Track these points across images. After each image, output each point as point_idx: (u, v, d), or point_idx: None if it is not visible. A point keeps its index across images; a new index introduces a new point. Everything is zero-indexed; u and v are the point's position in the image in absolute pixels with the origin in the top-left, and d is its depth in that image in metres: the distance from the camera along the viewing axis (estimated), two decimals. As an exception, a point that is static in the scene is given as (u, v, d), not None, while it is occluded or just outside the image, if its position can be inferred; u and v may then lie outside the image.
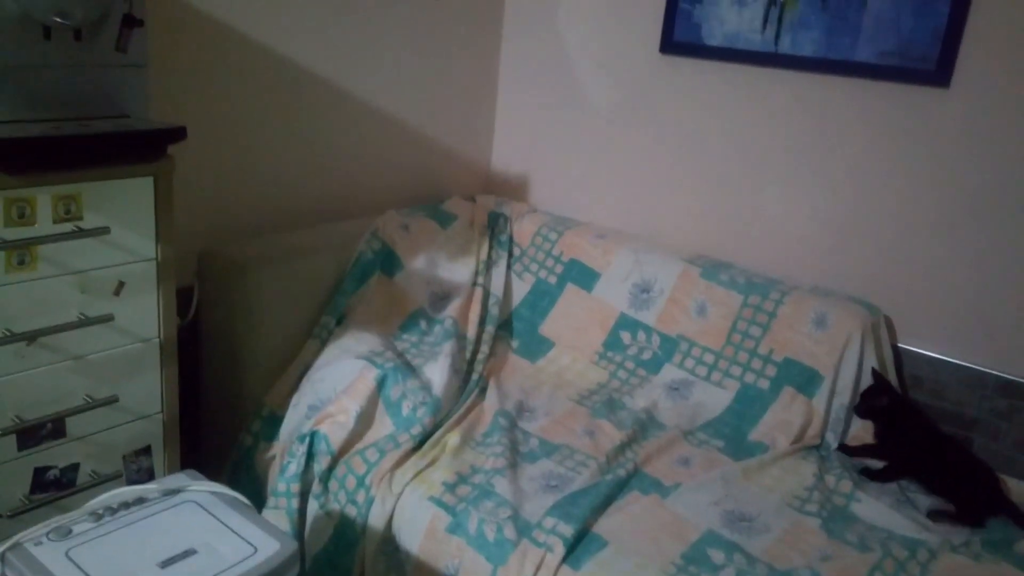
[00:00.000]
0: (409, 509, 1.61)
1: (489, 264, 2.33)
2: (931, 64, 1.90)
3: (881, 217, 2.02)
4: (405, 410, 1.79)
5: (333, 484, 1.69)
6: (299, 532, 1.69)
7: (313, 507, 1.70)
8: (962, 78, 1.87)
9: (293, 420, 1.81)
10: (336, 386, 1.81)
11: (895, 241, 2.01)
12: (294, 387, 1.87)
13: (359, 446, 1.74)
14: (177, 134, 1.40)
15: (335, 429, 1.74)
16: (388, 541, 1.62)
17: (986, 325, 1.91)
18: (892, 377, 1.96)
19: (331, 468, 1.70)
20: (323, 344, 1.94)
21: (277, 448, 1.79)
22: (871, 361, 1.92)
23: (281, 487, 1.69)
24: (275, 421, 1.84)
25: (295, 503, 1.68)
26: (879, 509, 1.66)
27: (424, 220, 2.27)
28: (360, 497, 1.65)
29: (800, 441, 1.85)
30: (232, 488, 1.54)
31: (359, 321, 2.00)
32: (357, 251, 2.06)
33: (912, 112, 1.94)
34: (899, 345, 2.01)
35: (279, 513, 1.68)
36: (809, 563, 1.48)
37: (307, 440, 1.72)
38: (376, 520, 1.63)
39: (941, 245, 1.95)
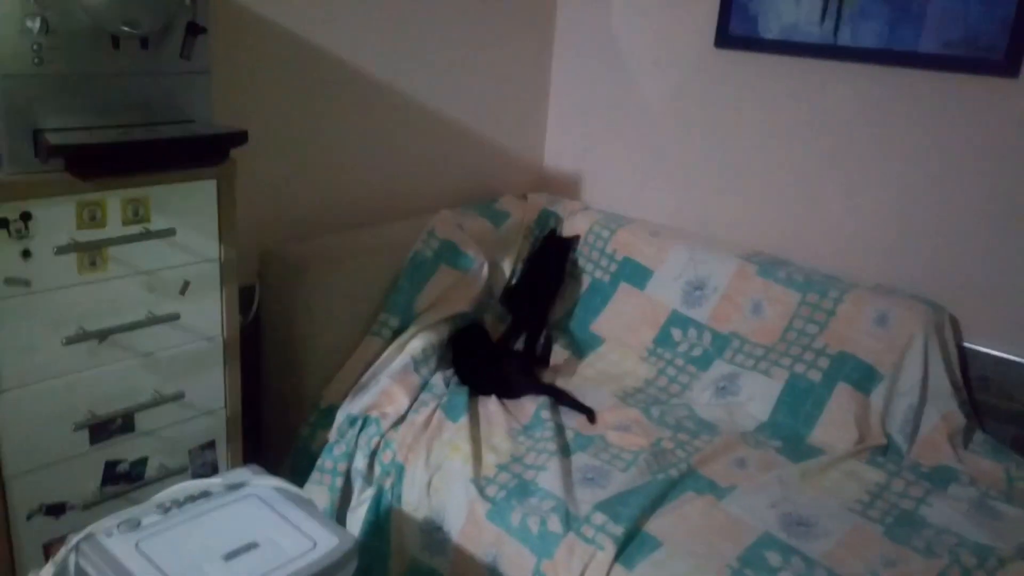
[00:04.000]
0: (453, 488, 1.64)
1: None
2: (999, 54, 1.83)
3: (945, 212, 1.96)
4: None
5: (376, 467, 1.75)
6: (339, 511, 1.74)
7: (358, 485, 1.75)
8: (1033, 68, 1.80)
9: (347, 409, 1.86)
10: (391, 381, 1.89)
11: (960, 237, 1.95)
12: (352, 383, 1.92)
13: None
14: (239, 138, 1.43)
15: (386, 415, 1.81)
16: (429, 520, 1.65)
17: (1058, 324, 1.84)
18: (958, 378, 1.90)
19: (377, 450, 1.76)
20: (385, 342, 1.99)
21: (331, 434, 1.84)
22: (936, 361, 1.87)
23: (327, 464, 1.76)
24: (332, 412, 1.89)
25: (339, 482, 1.74)
26: (952, 515, 1.61)
27: (477, 219, 2.28)
28: (392, 466, 1.73)
29: (862, 442, 1.80)
30: (292, 478, 1.64)
31: (420, 321, 2.04)
32: (412, 251, 2.09)
33: (979, 104, 1.88)
34: (965, 345, 1.95)
35: (321, 489, 1.74)
36: (871, 568, 1.45)
37: (358, 423, 1.79)
38: (413, 490, 1.68)
39: (1008, 241, 1.88)
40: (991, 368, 1.92)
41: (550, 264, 2.35)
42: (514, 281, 2.32)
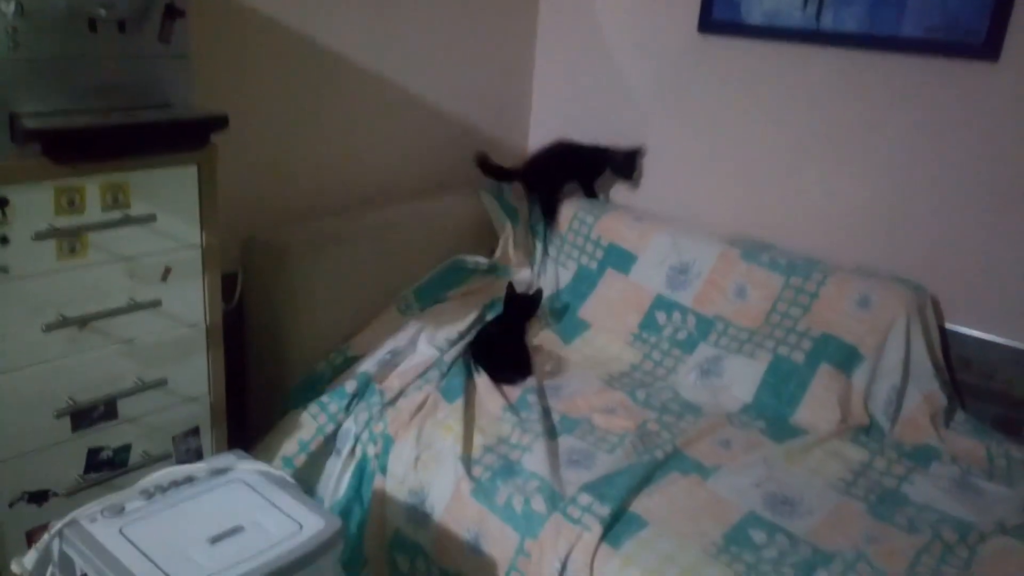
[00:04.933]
0: (441, 465, 1.66)
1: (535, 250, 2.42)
2: (979, 38, 1.84)
3: (927, 196, 1.98)
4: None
5: (365, 434, 1.78)
6: (316, 453, 1.78)
7: (347, 444, 1.78)
8: (1012, 52, 1.81)
9: (367, 366, 1.91)
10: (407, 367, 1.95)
11: (942, 220, 1.96)
12: (378, 345, 1.98)
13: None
14: (219, 123, 1.42)
15: (391, 390, 1.87)
16: (414, 494, 1.67)
17: (1037, 304, 1.86)
18: (940, 358, 1.92)
19: (371, 419, 1.80)
20: (405, 318, 2.08)
21: (348, 384, 1.87)
22: (918, 342, 1.89)
23: (332, 407, 1.81)
24: (353, 362, 1.94)
25: (330, 428, 1.79)
26: (933, 492, 1.63)
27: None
28: (381, 437, 1.75)
29: (844, 422, 1.82)
30: (288, 403, 1.79)
31: (448, 310, 2.15)
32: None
33: (960, 88, 1.89)
34: (947, 326, 1.97)
35: (312, 424, 1.79)
36: (855, 544, 1.46)
37: (366, 381, 1.85)
38: (400, 463, 1.70)
39: (989, 224, 1.90)
40: (972, 349, 1.94)
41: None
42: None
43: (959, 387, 1.95)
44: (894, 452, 1.76)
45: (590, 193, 2.47)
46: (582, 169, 2.47)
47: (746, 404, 1.92)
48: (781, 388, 1.90)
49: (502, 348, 2.05)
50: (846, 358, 1.89)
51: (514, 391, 1.93)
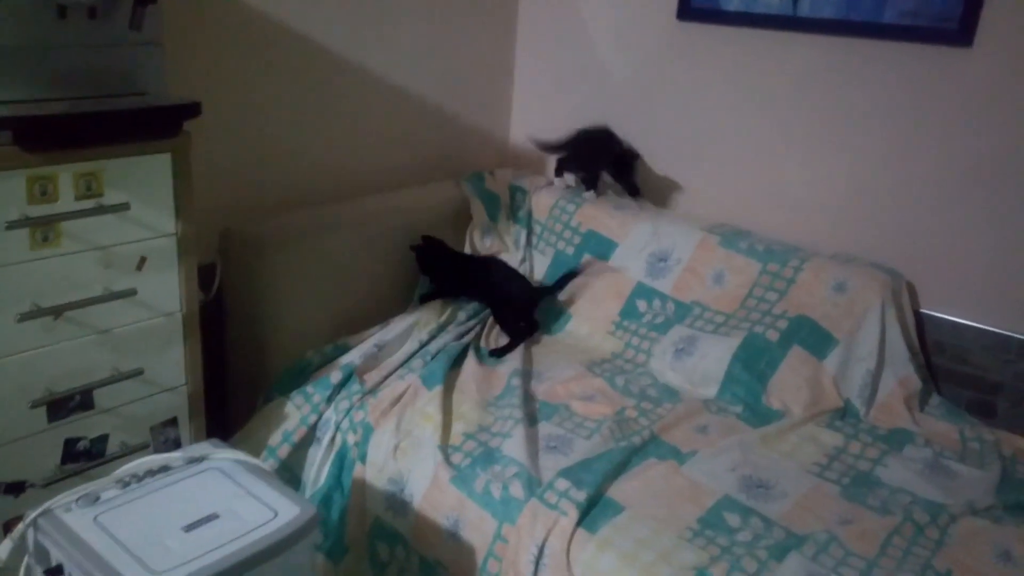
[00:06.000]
0: (420, 454, 1.67)
1: (518, 240, 2.41)
2: (954, 23, 1.86)
3: (903, 182, 1.99)
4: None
5: (345, 423, 1.79)
6: (303, 442, 1.79)
7: (327, 433, 1.79)
8: (985, 37, 1.83)
9: (352, 358, 1.92)
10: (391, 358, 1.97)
11: (917, 206, 1.98)
12: (369, 336, 2.01)
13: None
14: (191, 110, 1.42)
15: (370, 380, 1.88)
16: (393, 482, 1.68)
17: (1009, 289, 1.88)
18: (915, 342, 1.94)
19: (351, 408, 1.80)
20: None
21: (334, 373, 1.87)
22: (893, 327, 1.91)
23: (315, 398, 1.82)
24: (343, 351, 1.96)
25: (312, 418, 1.79)
26: (906, 474, 1.65)
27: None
28: (360, 425, 1.76)
29: (816, 405, 1.84)
30: (275, 389, 1.80)
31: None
32: None
33: (934, 73, 1.91)
34: (922, 311, 1.99)
35: (296, 413, 1.80)
36: (827, 526, 1.48)
37: (350, 373, 1.85)
38: (379, 452, 1.71)
39: (964, 209, 1.92)
40: (947, 333, 1.96)
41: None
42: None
43: (934, 371, 1.98)
44: (869, 436, 1.78)
45: (632, 190, 2.42)
46: (616, 161, 2.43)
47: (718, 381, 1.92)
48: (752, 364, 1.90)
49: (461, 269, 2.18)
50: (819, 342, 1.91)
51: (500, 376, 1.93)
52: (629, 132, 2.43)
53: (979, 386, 1.92)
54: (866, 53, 1.99)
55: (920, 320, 1.98)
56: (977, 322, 1.92)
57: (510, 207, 2.44)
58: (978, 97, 1.86)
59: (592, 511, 1.49)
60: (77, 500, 1.24)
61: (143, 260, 1.48)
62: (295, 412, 1.80)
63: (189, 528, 1.20)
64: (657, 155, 2.40)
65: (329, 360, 1.93)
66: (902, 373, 1.89)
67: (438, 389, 1.83)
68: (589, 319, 2.22)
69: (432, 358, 1.95)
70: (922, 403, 1.88)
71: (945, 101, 1.90)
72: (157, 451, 1.59)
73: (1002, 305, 1.89)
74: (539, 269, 2.38)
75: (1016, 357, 1.87)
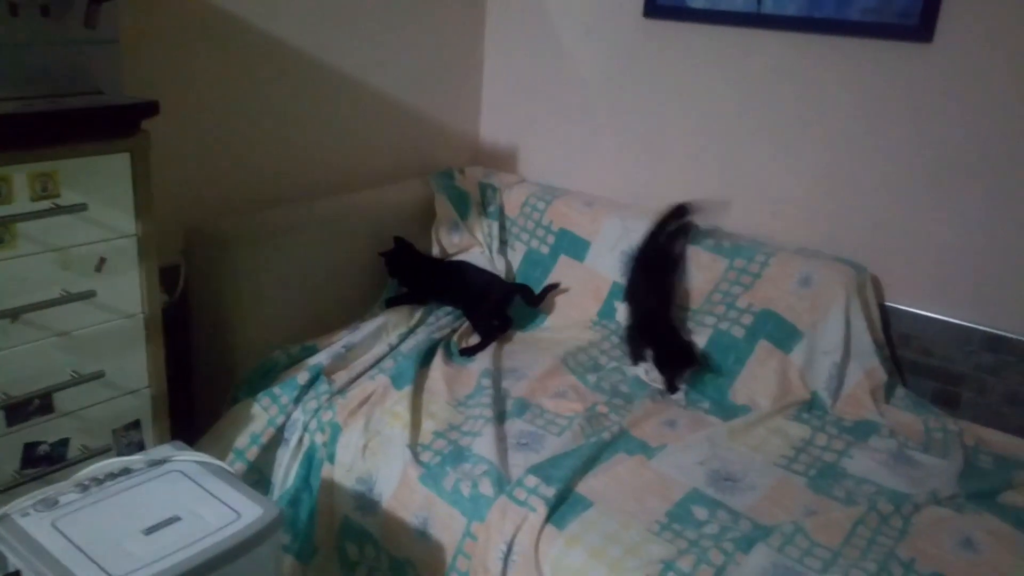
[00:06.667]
0: (389, 453, 1.66)
1: (490, 238, 2.40)
2: (914, 19, 1.88)
3: (866, 176, 2.01)
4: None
5: (313, 423, 1.77)
6: (271, 443, 1.77)
7: (295, 434, 1.77)
8: (945, 32, 1.85)
9: (321, 358, 1.91)
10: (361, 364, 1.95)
11: (881, 200, 2.00)
12: (338, 338, 2.00)
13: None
14: (149, 109, 1.40)
15: (339, 380, 1.86)
16: (362, 481, 1.67)
17: (972, 281, 1.91)
18: (880, 335, 1.96)
19: (320, 408, 1.79)
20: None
21: (301, 374, 1.86)
22: (858, 319, 1.92)
23: (283, 399, 1.79)
24: (310, 352, 1.94)
25: (280, 419, 1.77)
26: (871, 465, 1.67)
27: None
28: (328, 425, 1.75)
29: (783, 398, 1.85)
30: (242, 392, 1.78)
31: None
32: None
33: (896, 69, 1.93)
34: (887, 304, 2.01)
35: (263, 415, 1.78)
36: (793, 518, 1.49)
37: (318, 373, 1.84)
38: (347, 452, 1.70)
39: (926, 202, 1.94)
40: (911, 325, 1.98)
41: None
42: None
43: (899, 363, 2.00)
44: (835, 428, 1.79)
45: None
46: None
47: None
48: (720, 360, 1.93)
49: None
50: (785, 335, 1.93)
51: (471, 374, 1.93)
52: (596, 126, 2.44)
53: (943, 377, 1.95)
54: (828, 49, 2.01)
55: (885, 313, 2.01)
56: (941, 315, 1.94)
57: (481, 205, 2.44)
58: (938, 91, 1.88)
59: (561, 507, 1.49)
60: (35, 505, 1.22)
61: (102, 261, 1.46)
62: (262, 413, 1.79)
63: (150, 531, 1.19)
64: (625, 150, 2.41)
65: (296, 361, 1.91)
66: (868, 365, 1.91)
67: (408, 389, 1.82)
68: (565, 317, 2.24)
69: (401, 360, 1.95)
70: (888, 395, 1.90)
71: (907, 96, 1.92)
72: (120, 454, 1.57)
73: (966, 298, 1.92)
74: (512, 266, 2.38)
75: (979, 349, 1.89)
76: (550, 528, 1.45)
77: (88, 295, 1.44)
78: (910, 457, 1.71)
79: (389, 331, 2.06)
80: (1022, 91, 1.78)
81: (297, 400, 1.80)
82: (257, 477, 1.77)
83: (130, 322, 1.53)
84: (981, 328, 1.89)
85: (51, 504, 1.22)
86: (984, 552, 1.43)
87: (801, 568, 1.36)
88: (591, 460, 1.62)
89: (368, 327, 2.03)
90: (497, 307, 2.17)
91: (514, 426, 1.75)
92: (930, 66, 1.88)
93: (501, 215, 2.44)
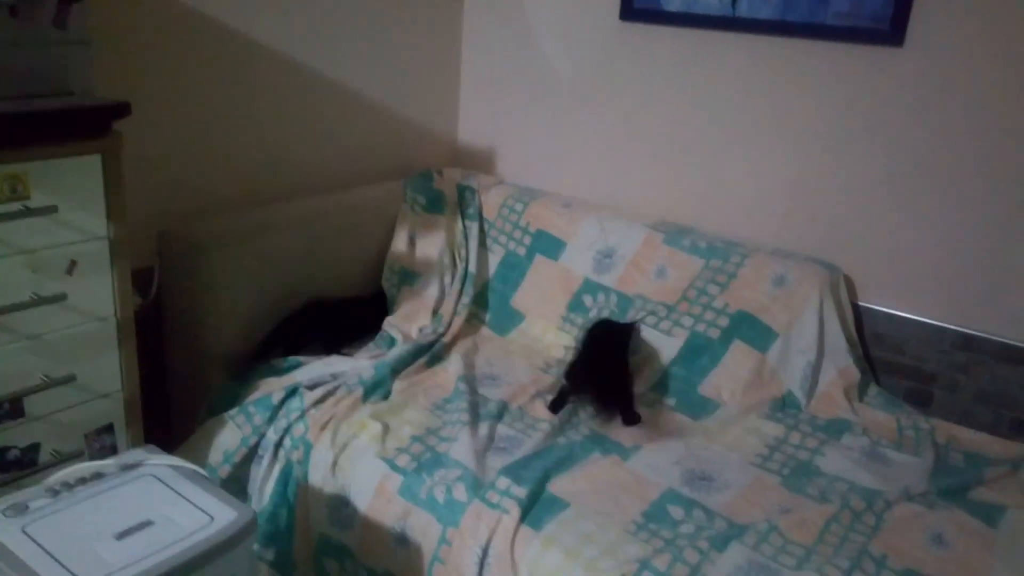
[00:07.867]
0: (359, 465, 1.64)
1: (467, 238, 2.38)
2: (885, 24, 1.90)
3: (840, 178, 2.04)
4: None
5: (287, 441, 1.74)
6: (244, 461, 1.75)
7: (267, 454, 1.74)
8: (916, 37, 1.88)
9: (301, 376, 1.88)
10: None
11: (854, 201, 2.02)
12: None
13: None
14: (120, 110, 1.39)
15: (312, 392, 1.82)
16: (336, 497, 1.65)
17: (944, 281, 1.93)
18: (854, 334, 1.98)
19: (292, 424, 1.75)
20: None
21: (276, 392, 1.81)
22: (832, 319, 1.94)
23: (256, 419, 1.76)
24: (292, 368, 1.92)
25: (253, 440, 1.74)
26: (844, 463, 1.69)
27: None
28: (300, 442, 1.73)
29: (757, 396, 1.87)
30: (216, 404, 1.75)
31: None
32: None
33: (867, 72, 1.95)
34: (860, 303, 2.03)
35: (235, 433, 1.75)
36: (767, 515, 1.50)
37: (294, 392, 1.79)
38: (319, 469, 1.68)
39: (898, 204, 1.97)
40: (884, 325, 2.01)
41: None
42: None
43: (873, 362, 2.02)
44: (808, 426, 1.81)
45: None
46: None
47: (663, 374, 1.96)
48: (694, 362, 1.95)
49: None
50: (760, 335, 1.94)
51: (448, 378, 1.92)
52: (573, 129, 2.45)
53: (916, 376, 1.97)
54: (801, 53, 2.03)
55: (858, 312, 2.03)
56: (914, 314, 1.96)
57: (458, 206, 2.43)
58: (909, 94, 1.91)
59: (537, 508, 1.49)
60: (5, 510, 1.20)
61: (73, 264, 1.44)
62: (235, 431, 1.75)
63: (121, 536, 1.17)
64: (602, 152, 2.42)
65: (278, 373, 1.88)
66: (842, 364, 1.93)
67: (377, 397, 1.81)
68: (540, 317, 2.23)
69: (383, 365, 1.93)
70: (861, 393, 1.92)
71: (879, 99, 1.95)
72: (92, 459, 1.55)
73: (938, 297, 1.94)
74: (490, 268, 2.37)
75: (951, 348, 1.92)
76: (526, 529, 1.45)
77: (59, 298, 1.43)
78: (883, 455, 1.73)
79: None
80: (990, 95, 1.81)
81: (271, 420, 1.76)
82: (237, 487, 1.75)
83: (102, 325, 1.51)
84: (952, 328, 1.91)
85: (21, 510, 1.20)
86: (955, 547, 1.45)
87: (775, 566, 1.37)
88: (565, 460, 1.63)
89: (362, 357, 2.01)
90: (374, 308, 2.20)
91: (493, 430, 1.75)
92: (901, 70, 1.91)
93: (480, 217, 2.44)
